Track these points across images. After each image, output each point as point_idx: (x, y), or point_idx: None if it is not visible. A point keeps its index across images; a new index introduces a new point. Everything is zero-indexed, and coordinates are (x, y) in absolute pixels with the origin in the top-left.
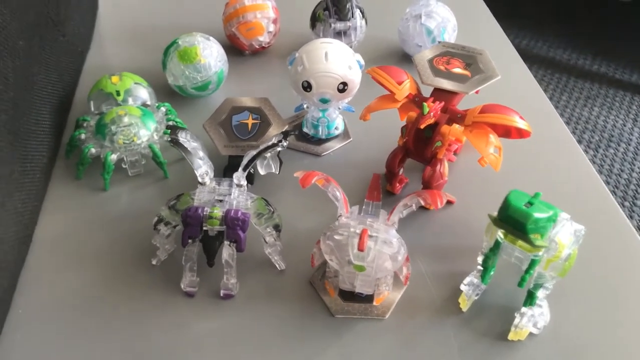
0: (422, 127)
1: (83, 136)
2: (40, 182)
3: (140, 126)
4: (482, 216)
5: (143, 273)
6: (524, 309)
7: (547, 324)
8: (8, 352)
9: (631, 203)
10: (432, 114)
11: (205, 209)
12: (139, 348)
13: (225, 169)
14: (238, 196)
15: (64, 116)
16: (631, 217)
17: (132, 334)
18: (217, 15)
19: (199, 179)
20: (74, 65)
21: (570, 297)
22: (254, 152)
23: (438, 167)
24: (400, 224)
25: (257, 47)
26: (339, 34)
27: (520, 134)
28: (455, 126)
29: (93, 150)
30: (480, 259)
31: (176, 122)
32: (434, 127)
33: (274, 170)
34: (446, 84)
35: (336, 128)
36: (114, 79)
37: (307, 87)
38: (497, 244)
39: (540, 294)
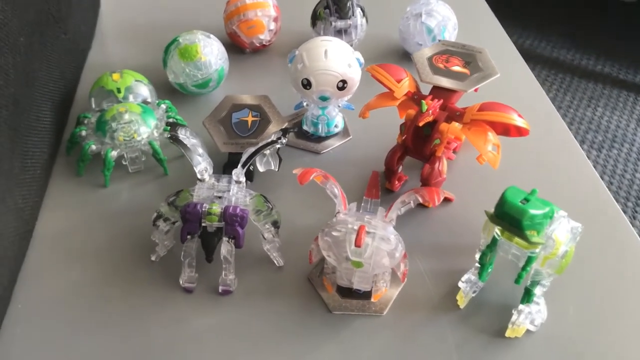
0: (420, 124)
1: (84, 133)
2: (40, 178)
3: (140, 123)
4: (481, 214)
5: (142, 269)
6: (521, 306)
7: (544, 321)
8: (8, 346)
9: (634, 203)
10: (430, 111)
11: (204, 205)
12: (138, 343)
13: (224, 166)
14: (237, 193)
15: (65, 113)
16: (634, 218)
17: (131, 329)
18: (218, 13)
19: (198, 176)
20: (76, 62)
21: (568, 295)
22: (252, 149)
23: (437, 164)
24: (399, 221)
25: (257, 45)
26: (339, 32)
27: (519, 132)
28: (454, 124)
29: (94, 147)
30: (478, 256)
31: (176, 119)
32: (432, 125)
33: (273, 168)
34: (445, 82)
35: (336, 126)
36: (115, 76)
37: (306, 84)
38: (494, 241)
39: (538, 291)
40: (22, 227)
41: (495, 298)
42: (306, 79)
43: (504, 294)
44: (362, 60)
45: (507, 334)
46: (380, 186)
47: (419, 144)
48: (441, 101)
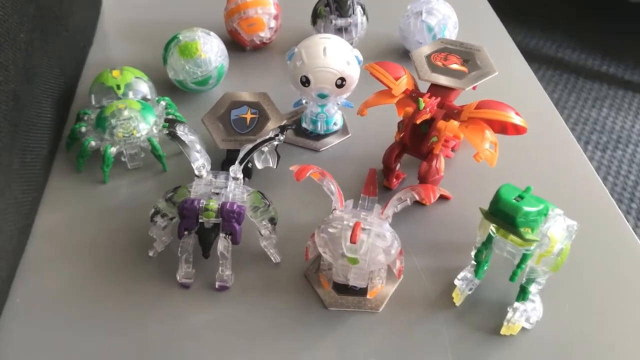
0: (418, 122)
1: (83, 129)
2: (40, 173)
3: (139, 120)
4: (478, 212)
5: (140, 264)
6: (516, 304)
7: (540, 319)
8: (5, 340)
9: (638, 204)
10: (428, 109)
11: (202, 201)
12: (136, 338)
13: (223, 162)
14: (234, 189)
15: (66, 109)
16: (639, 219)
17: (128, 324)
18: (219, 11)
19: (196, 172)
20: (77, 59)
21: (564, 293)
22: (250, 146)
23: (434, 162)
24: (396, 219)
25: (258, 42)
26: (339, 31)
27: (517, 130)
28: (452, 122)
29: (93, 143)
30: (473, 254)
31: (176, 116)
32: (430, 123)
33: (271, 165)
34: (443, 80)
35: (335, 124)
36: (115, 73)
37: (305, 82)
38: (489, 238)
39: (533, 288)
40: (21, 222)
41: (491, 296)
42: (305, 76)
43: (500, 292)
44: (360, 58)
45: (503, 331)
46: (378, 184)
47: (416, 141)
48: (439, 99)
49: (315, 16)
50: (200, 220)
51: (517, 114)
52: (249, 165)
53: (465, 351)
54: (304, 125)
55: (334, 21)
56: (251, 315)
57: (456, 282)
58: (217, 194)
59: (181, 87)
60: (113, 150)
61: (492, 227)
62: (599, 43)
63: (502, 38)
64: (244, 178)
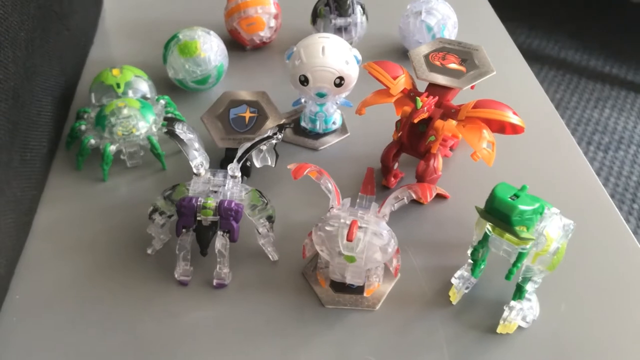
0: (415, 121)
1: (83, 127)
2: (40, 171)
3: (139, 118)
4: (475, 211)
5: (138, 262)
6: (512, 303)
7: (536, 318)
8: (4, 335)
9: None
10: (425, 108)
11: (199, 199)
12: (133, 335)
13: (222, 161)
14: (232, 187)
15: (66, 108)
16: None
17: (126, 321)
18: (220, 10)
19: (194, 170)
20: (77, 58)
21: (560, 292)
22: (248, 144)
23: (432, 161)
24: (394, 217)
25: (258, 42)
26: (339, 30)
27: (515, 129)
28: (450, 121)
29: (92, 141)
30: (470, 252)
31: (175, 114)
32: (428, 122)
33: (270, 163)
34: (441, 79)
35: (334, 122)
36: (115, 71)
37: (304, 81)
38: (485, 237)
39: (529, 287)
40: (21, 219)
41: (488, 294)
42: (303, 75)
43: (496, 291)
44: (359, 57)
45: (499, 330)
46: (377, 183)
47: (414, 140)
48: (436, 98)
49: (315, 15)
50: (198, 218)
51: (514, 113)
52: (248, 163)
53: (461, 349)
54: (302, 124)
55: (333, 21)
56: (248, 313)
57: (453, 280)
58: (215, 192)
59: (181, 86)
60: (112, 148)
61: (489, 226)
62: (601, 44)
63: (501, 38)
64: (242, 176)
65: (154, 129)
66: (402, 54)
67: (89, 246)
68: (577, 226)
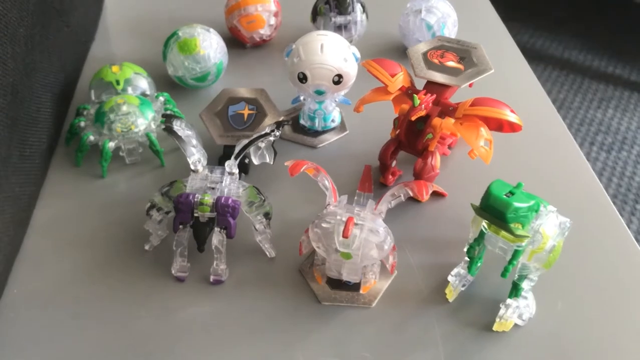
0: (412, 119)
1: (82, 124)
2: (39, 167)
3: (138, 115)
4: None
5: (136, 258)
6: (509, 301)
7: (532, 316)
8: (2, 331)
9: None
10: (423, 106)
11: (197, 195)
12: (130, 330)
13: (220, 158)
14: (229, 184)
15: (66, 105)
16: None
17: (123, 316)
18: (220, 7)
19: (192, 167)
20: (78, 55)
21: (557, 290)
22: (246, 141)
23: (429, 159)
24: (391, 215)
25: (257, 40)
26: (339, 28)
27: (512, 127)
28: (448, 119)
29: (92, 137)
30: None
31: (174, 111)
32: (425, 120)
33: (268, 161)
34: (439, 77)
35: (332, 120)
36: (115, 68)
37: (302, 78)
38: (481, 234)
39: (525, 285)
40: (19, 214)
41: (485, 292)
42: (302, 72)
43: (493, 289)
44: (358, 55)
45: (495, 327)
46: (375, 180)
47: (412, 138)
48: (434, 96)
49: (315, 13)
50: (195, 214)
51: (512, 111)
52: (246, 161)
53: (457, 347)
54: (301, 121)
55: (333, 19)
56: (245, 309)
57: (449, 278)
58: (213, 188)
59: (180, 83)
60: (111, 145)
61: (484, 223)
62: (605, 44)
63: (502, 36)
64: (240, 173)
65: (153, 126)
66: (402, 52)
67: (87, 242)
68: (574, 224)
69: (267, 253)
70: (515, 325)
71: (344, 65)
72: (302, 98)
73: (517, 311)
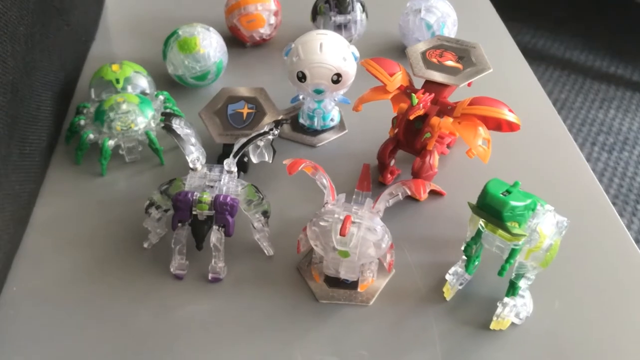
0: (411, 118)
1: (82, 122)
2: (39, 165)
3: (137, 113)
4: None
5: (135, 256)
6: (506, 299)
7: (530, 314)
8: (1, 328)
9: None
10: (421, 105)
11: (195, 193)
12: (129, 328)
13: (219, 157)
14: (228, 182)
15: (66, 103)
16: None
17: (122, 313)
18: (220, 7)
19: (190, 165)
20: (78, 54)
21: (554, 289)
22: (244, 140)
23: (427, 158)
24: (390, 214)
25: (257, 39)
26: (339, 27)
27: (511, 127)
28: (446, 118)
29: (91, 136)
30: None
31: (174, 110)
32: (424, 119)
33: (267, 159)
34: (437, 76)
35: (332, 119)
36: (115, 67)
37: (301, 77)
38: (478, 233)
39: (522, 284)
40: (19, 212)
41: (482, 291)
42: (301, 71)
43: (490, 288)
44: (357, 54)
45: (492, 326)
46: (374, 179)
47: (410, 137)
48: (432, 95)
49: (315, 13)
50: (193, 212)
51: (510, 110)
52: (245, 159)
53: (454, 345)
54: (301, 120)
55: (333, 18)
56: (243, 307)
57: (447, 276)
58: (211, 186)
59: (180, 82)
60: (111, 143)
61: (482, 222)
62: (607, 44)
63: (501, 36)
64: (239, 172)
65: (153, 125)
66: (401, 52)
67: (87, 240)
68: (572, 223)
69: (265, 251)
70: (513, 323)
71: (343, 64)
72: (301, 97)
73: (514, 310)
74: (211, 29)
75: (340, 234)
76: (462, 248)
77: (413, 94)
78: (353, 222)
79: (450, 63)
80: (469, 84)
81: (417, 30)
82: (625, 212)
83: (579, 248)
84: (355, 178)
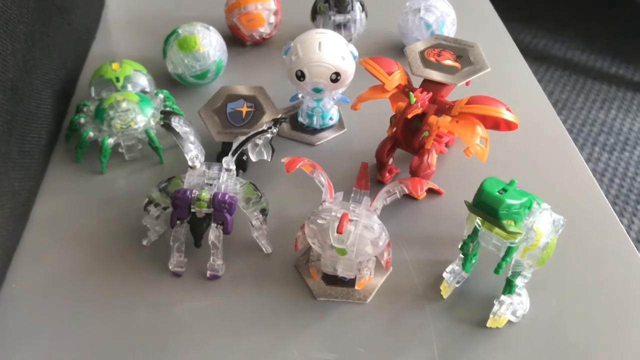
0: (409, 117)
1: (82, 120)
2: (39, 163)
3: (137, 112)
4: None
5: (133, 253)
6: (502, 297)
7: (526, 312)
8: (1, 324)
9: None
10: (419, 104)
11: (194, 191)
12: (127, 325)
13: (218, 155)
14: (227, 180)
15: (66, 101)
16: None
17: (121, 311)
18: (220, 6)
19: (189, 163)
20: (78, 52)
21: (551, 287)
22: (243, 138)
23: (426, 157)
24: (388, 212)
25: (257, 38)
26: (338, 27)
27: (508, 126)
28: (445, 117)
29: (91, 134)
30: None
31: (174, 109)
32: (422, 118)
33: (265, 158)
34: (435, 75)
35: (331, 118)
36: (115, 65)
37: (300, 76)
38: (475, 231)
39: (519, 282)
40: (18, 209)
41: (479, 289)
42: (300, 70)
43: (487, 286)
44: (356, 53)
45: (489, 324)
46: (372, 178)
47: (408, 136)
48: (430, 94)
49: (315, 12)
50: (192, 210)
51: (507, 109)
52: (244, 158)
53: (450, 342)
54: (300, 119)
55: (333, 17)
56: (241, 304)
57: (444, 274)
58: (210, 184)
59: (180, 80)
60: (111, 141)
61: (478, 220)
62: (608, 44)
63: (501, 36)
64: (239, 170)
65: (152, 123)
66: (401, 51)
67: (86, 237)
68: (569, 222)
69: (264, 249)
70: (509, 321)
71: (341, 63)
72: (300, 96)
73: (510, 308)
74: (211, 28)
75: (338, 232)
76: (459, 246)
77: (411, 93)
78: (350, 220)
79: (448, 62)
80: (466, 83)
81: (417, 29)
82: (626, 212)
83: (576, 246)
84: (354, 177)
